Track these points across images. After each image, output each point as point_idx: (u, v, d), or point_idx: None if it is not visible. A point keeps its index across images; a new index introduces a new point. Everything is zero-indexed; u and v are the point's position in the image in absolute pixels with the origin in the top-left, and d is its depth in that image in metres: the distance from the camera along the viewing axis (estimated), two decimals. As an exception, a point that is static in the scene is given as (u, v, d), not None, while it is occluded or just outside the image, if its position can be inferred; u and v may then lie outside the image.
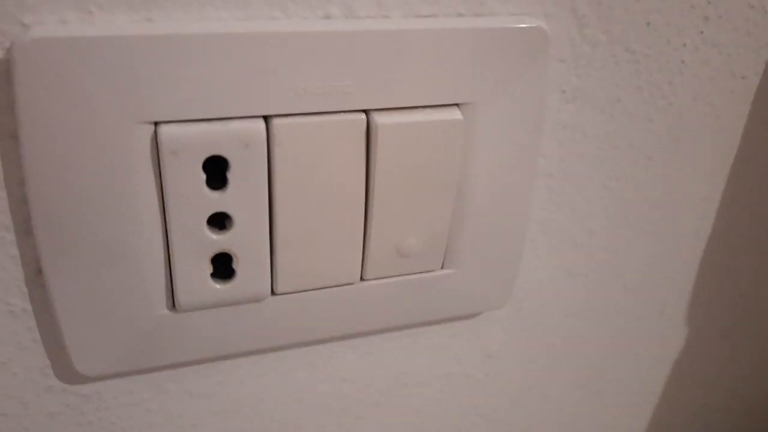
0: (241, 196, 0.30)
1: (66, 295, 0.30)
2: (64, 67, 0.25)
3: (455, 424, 0.46)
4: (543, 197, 0.39)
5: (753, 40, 0.39)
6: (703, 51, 0.38)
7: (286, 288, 0.33)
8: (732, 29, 0.38)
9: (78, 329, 0.31)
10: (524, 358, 0.46)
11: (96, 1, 0.26)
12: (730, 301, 0.51)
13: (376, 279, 0.35)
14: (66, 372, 0.33)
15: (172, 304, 0.32)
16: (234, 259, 0.31)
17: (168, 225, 0.29)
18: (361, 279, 0.35)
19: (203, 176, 0.29)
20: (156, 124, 0.27)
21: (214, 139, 0.28)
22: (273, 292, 0.33)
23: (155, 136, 0.28)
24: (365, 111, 0.31)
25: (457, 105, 0.32)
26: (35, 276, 0.30)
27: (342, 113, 0.30)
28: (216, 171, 0.29)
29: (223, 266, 0.31)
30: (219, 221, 0.30)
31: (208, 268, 0.31)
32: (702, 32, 0.37)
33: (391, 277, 0.35)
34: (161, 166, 0.28)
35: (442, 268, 0.36)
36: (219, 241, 0.30)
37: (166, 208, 0.29)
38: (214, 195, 0.29)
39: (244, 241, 0.31)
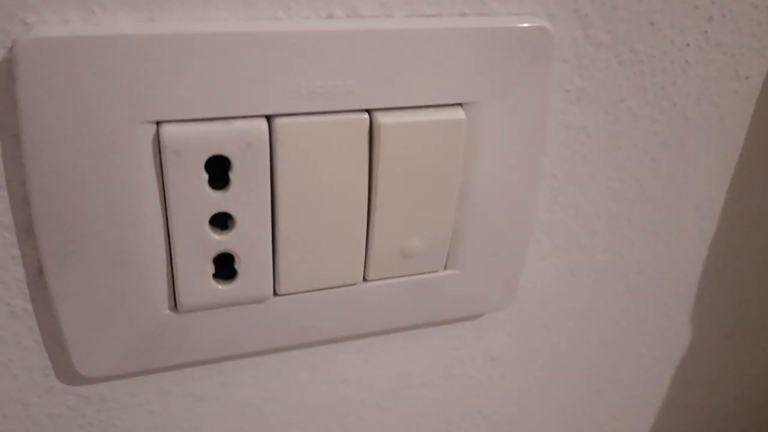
0: (243, 196, 0.30)
1: (67, 295, 0.30)
2: (67, 67, 0.25)
3: (458, 426, 0.46)
4: (546, 198, 0.39)
5: (757, 41, 0.39)
6: (707, 51, 0.38)
7: (289, 289, 0.33)
8: (736, 29, 0.38)
9: (79, 330, 0.31)
10: (527, 359, 0.45)
11: (98, 0, 0.26)
12: (733, 303, 0.51)
13: (378, 280, 0.35)
14: (67, 373, 0.33)
15: (174, 304, 0.32)
16: (236, 260, 0.31)
17: (170, 225, 0.29)
18: (364, 280, 0.35)
19: (205, 176, 0.28)
20: (158, 123, 0.27)
21: (216, 138, 0.28)
22: (275, 293, 0.33)
23: (157, 136, 0.27)
24: (368, 110, 0.31)
25: (460, 105, 0.32)
26: (36, 276, 0.30)
27: (345, 113, 0.30)
28: (218, 171, 0.29)
29: (225, 267, 0.31)
30: (221, 221, 0.30)
31: (210, 269, 0.31)
32: (706, 32, 0.37)
33: (394, 277, 0.35)
34: (163, 166, 0.28)
35: (445, 269, 0.36)
36: (221, 242, 0.30)
37: (168, 208, 0.29)
38: (217, 195, 0.29)
39: (247, 242, 0.31)
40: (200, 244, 0.30)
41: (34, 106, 0.26)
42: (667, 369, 0.52)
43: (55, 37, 0.25)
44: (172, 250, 0.30)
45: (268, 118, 0.29)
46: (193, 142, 0.28)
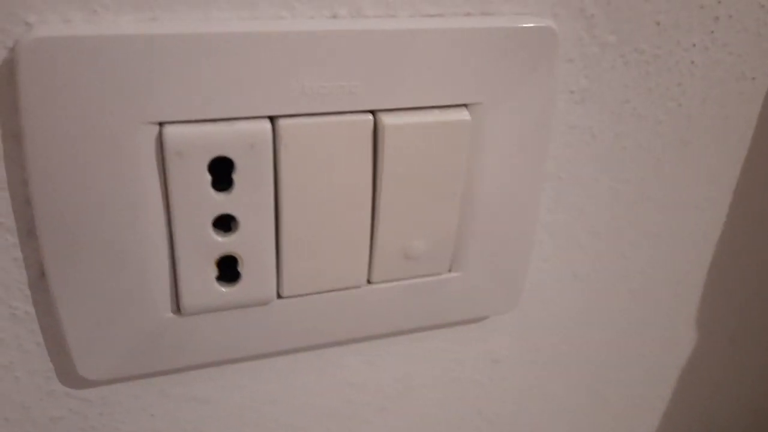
0: (246, 198, 0.29)
1: (69, 297, 0.29)
2: (68, 67, 0.25)
3: (460, 428, 0.46)
4: (549, 199, 0.39)
5: (763, 41, 0.38)
6: (713, 51, 0.37)
7: (292, 291, 0.33)
8: (742, 30, 0.37)
9: (81, 332, 0.30)
10: (530, 362, 0.45)
11: (100, 0, 0.26)
12: (736, 305, 0.51)
13: (382, 282, 0.35)
14: (69, 376, 0.33)
15: (177, 307, 0.31)
16: (239, 262, 0.31)
17: (173, 227, 0.29)
18: (368, 282, 0.34)
19: (209, 178, 0.28)
20: (161, 124, 0.27)
21: (219, 140, 0.28)
22: (279, 295, 0.33)
23: (160, 137, 0.27)
24: (372, 111, 0.30)
25: (465, 105, 0.32)
26: (38, 279, 0.30)
27: (349, 114, 0.30)
28: (221, 172, 0.29)
29: (228, 269, 0.31)
30: (224, 223, 0.30)
31: (214, 271, 0.30)
32: (712, 32, 0.37)
33: (398, 280, 0.35)
34: (166, 168, 0.28)
35: (449, 271, 0.36)
36: (224, 244, 0.30)
37: (171, 210, 0.29)
38: (220, 197, 0.29)
39: (250, 244, 0.30)
40: (203, 247, 0.30)
41: (36, 106, 0.25)
42: (670, 371, 0.52)
43: (57, 37, 0.25)
44: (174, 252, 0.30)
45: (272, 119, 0.29)
46: (196, 144, 0.27)
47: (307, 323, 0.35)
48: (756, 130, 0.42)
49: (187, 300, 0.31)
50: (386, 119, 0.30)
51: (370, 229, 0.33)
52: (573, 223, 0.40)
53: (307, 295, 0.33)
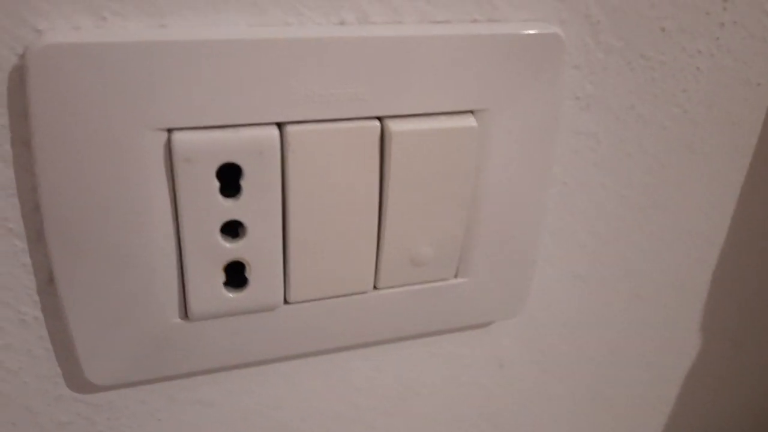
0: (254, 204, 0.29)
1: (78, 303, 0.30)
2: (78, 73, 0.25)
3: (467, 434, 0.46)
4: (555, 204, 0.39)
5: (768, 47, 0.39)
6: (719, 58, 0.38)
7: (299, 297, 0.33)
8: (747, 36, 0.37)
9: (89, 338, 0.31)
10: (536, 367, 0.45)
11: (110, 7, 0.26)
12: (741, 309, 0.51)
13: (389, 288, 0.35)
14: (77, 381, 0.33)
15: (185, 313, 0.31)
16: (247, 268, 0.31)
17: (181, 233, 0.29)
18: (374, 287, 0.35)
19: (217, 184, 0.28)
20: (169, 131, 0.27)
21: (227, 146, 0.28)
22: (286, 301, 0.33)
23: (168, 143, 0.27)
24: (379, 118, 0.30)
25: (471, 112, 0.32)
26: (47, 284, 0.30)
27: (356, 120, 0.30)
28: (229, 178, 0.29)
29: (235, 274, 0.31)
30: (232, 229, 0.30)
31: (221, 277, 0.31)
32: (717, 39, 0.37)
33: (404, 285, 0.35)
34: (174, 174, 0.28)
35: (455, 276, 0.36)
36: (232, 250, 0.30)
37: (179, 216, 0.29)
38: (228, 203, 0.29)
39: (257, 250, 0.30)
40: (211, 252, 0.30)
41: (45, 112, 0.26)
42: (674, 374, 0.52)
43: (66, 44, 0.25)
44: (182, 258, 0.30)
45: (279, 125, 0.29)
46: (205, 150, 0.28)
47: (314, 328, 0.35)
48: (761, 136, 0.42)
49: (194, 305, 0.31)
50: (393, 125, 0.30)
51: (376, 235, 0.33)
52: (578, 228, 0.40)
53: (313, 300, 0.33)
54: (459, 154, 0.32)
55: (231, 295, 0.31)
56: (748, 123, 0.41)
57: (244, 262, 0.31)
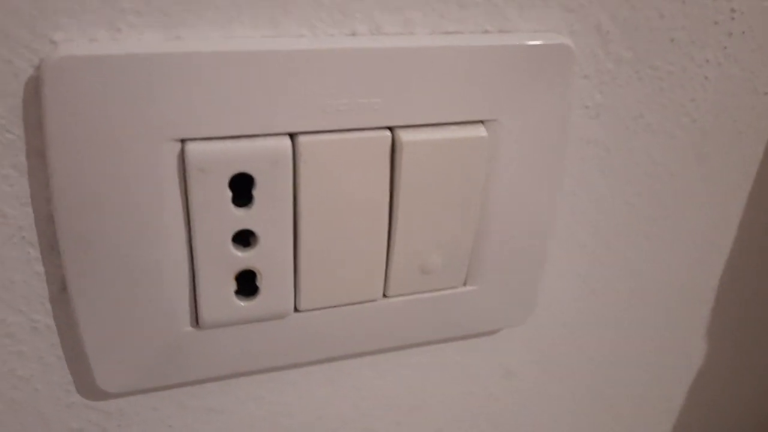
0: (266, 214, 0.30)
1: (90, 311, 0.30)
2: (92, 85, 0.25)
3: (473, 441, 0.46)
4: (565, 214, 0.39)
5: (776, 57, 0.39)
6: (726, 67, 0.38)
7: (310, 305, 0.33)
8: (755, 45, 0.38)
9: (101, 346, 0.31)
10: (543, 375, 0.45)
11: (125, 19, 0.26)
12: (749, 318, 0.51)
13: (398, 296, 0.35)
14: (88, 388, 0.33)
15: (196, 321, 0.32)
16: (258, 276, 0.31)
17: (193, 242, 0.29)
18: (384, 296, 0.35)
19: (229, 194, 0.29)
20: (183, 141, 0.27)
21: (240, 156, 0.28)
22: (296, 309, 0.33)
23: (182, 154, 0.28)
24: (390, 128, 0.31)
25: (481, 122, 0.32)
26: (59, 293, 0.30)
27: (367, 130, 0.30)
28: (241, 188, 0.29)
29: (247, 283, 0.31)
30: (243, 238, 0.30)
31: (233, 286, 0.31)
32: (725, 48, 0.37)
33: (414, 293, 0.35)
34: (188, 184, 0.28)
35: (464, 284, 0.36)
36: (244, 259, 0.30)
37: (191, 226, 0.29)
38: (240, 212, 0.29)
39: (269, 259, 0.31)
40: (223, 261, 0.30)
41: (60, 123, 0.26)
42: (684, 385, 0.52)
43: (82, 56, 0.25)
44: (194, 267, 0.30)
45: (292, 135, 0.29)
46: (218, 160, 0.28)
47: (323, 336, 0.35)
48: None
49: (206, 314, 0.31)
50: (404, 135, 0.30)
51: (386, 244, 0.33)
52: (587, 237, 0.40)
53: (323, 308, 0.34)
54: (469, 163, 0.32)
55: (242, 303, 0.31)
56: (755, 131, 0.41)
57: (256, 271, 0.31)
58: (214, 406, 0.36)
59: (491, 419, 0.45)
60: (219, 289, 0.31)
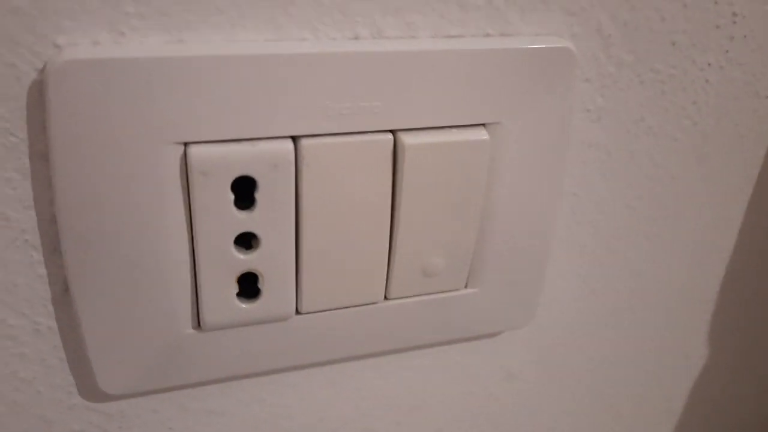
0: (268, 216, 0.30)
1: (92, 313, 0.30)
2: (96, 89, 0.25)
3: (474, 443, 0.46)
4: (566, 215, 0.39)
5: (777, 60, 0.39)
6: (728, 70, 0.38)
7: (311, 307, 0.33)
8: (757, 49, 0.38)
9: (103, 348, 0.31)
10: (544, 377, 0.45)
11: (129, 23, 0.26)
12: (751, 320, 0.51)
13: (400, 298, 0.35)
14: (90, 390, 0.33)
15: (198, 323, 0.32)
16: (260, 279, 0.31)
17: (195, 245, 0.29)
18: (385, 298, 0.35)
19: (232, 197, 0.29)
20: (186, 144, 0.27)
21: (243, 159, 0.28)
22: (297, 312, 0.33)
23: (185, 157, 0.28)
24: (392, 131, 0.31)
25: (483, 125, 0.32)
26: (62, 295, 0.30)
27: (369, 133, 0.30)
28: (243, 190, 0.29)
29: (248, 285, 0.31)
30: (245, 240, 0.30)
31: (234, 288, 0.31)
32: (727, 52, 0.37)
33: (415, 296, 0.35)
34: (190, 187, 0.28)
35: (465, 287, 0.36)
36: (245, 261, 0.30)
37: (193, 228, 0.29)
38: (242, 215, 0.29)
39: (271, 261, 0.31)
40: (225, 264, 0.30)
41: (64, 127, 0.26)
42: (685, 386, 0.52)
43: (85, 60, 0.25)
44: (196, 269, 0.30)
45: (294, 138, 0.29)
46: (221, 163, 0.28)
47: (325, 338, 0.35)
48: (770, 147, 0.42)
49: (207, 316, 0.31)
50: (406, 139, 0.30)
51: (388, 247, 0.33)
52: (588, 240, 0.40)
53: (325, 311, 0.34)
54: (471, 166, 0.32)
55: (244, 305, 0.31)
56: (757, 135, 0.41)
57: (257, 273, 0.31)
58: (215, 408, 0.36)
59: (492, 419, 0.45)
60: (221, 292, 0.31)
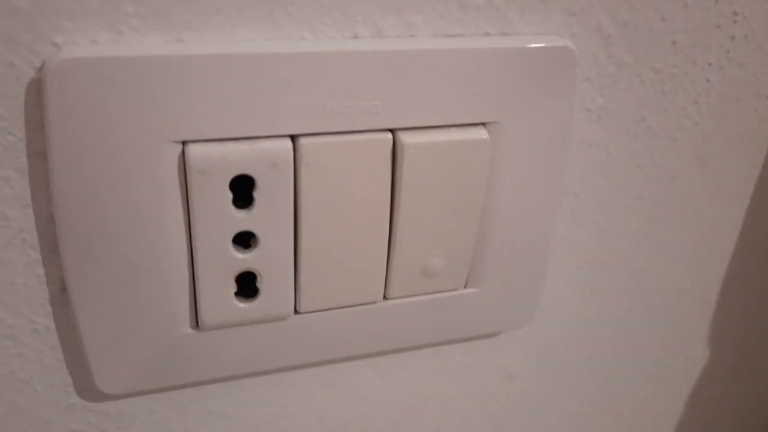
0: (266, 216, 0.30)
1: (90, 313, 0.30)
2: (94, 87, 0.25)
3: (474, 443, 0.46)
4: (566, 215, 0.39)
5: (778, 60, 0.39)
6: (729, 70, 0.38)
7: (310, 307, 0.33)
8: (758, 49, 0.38)
9: (101, 347, 0.31)
10: (545, 377, 0.45)
11: (127, 22, 0.26)
12: (752, 321, 0.51)
13: (399, 298, 0.35)
14: (88, 390, 0.33)
15: (196, 322, 0.32)
16: (258, 278, 0.31)
17: (193, 244, 0.29)
18: (384, 298, 0.35)
19: (230, 196, 0.28)
20: (184, 143, 0.27)
21: (241, 158, 0.28)
22: (296, 311, 0.33)
23: (183, 156, 0.28)
24: (391, 130, 0.31)
25: (483, 124, 0.32)
26: (59, 295, 0.30)
27: (368, 132, 0.30)
28: (242, 189, 0.29)
29: (247, 285, 0.31)
30: (244, 240, 0.30)
31: (233, 287, 0.31)
32: (728, 52, 0.37)
33: (415, 296, 0.35)
34: (188, 186, 0.28)
35: (465, 287, 0.36)
36: (244, 260, 0.30)
37: (192, 227, 0.29)
38: (240, 214, 0.29)
39: (269, 260, 0.31)
40: (223, 263, 0.30)
41: (62, 125, 0.26)
42: (685, 387, 0.52)
43: (84, 58, 0.25)
44: (195, 268, 0.30)
45: (293, 137, 0.29)
46: (219, 162, 0.28)
47: (324, 338, 0.35)
48: (770, 147, 0.42)
49: (206, 315, 0.31)
50: (405, 138, 0.30)
51: (387, 246, 0.33)
52: (589, 240, 0.40)
53: (324, 310, 0.34)
54: (470, 166, 0.32)
55: (242, 305, 0.31)
56: (758, 135, 0.41)
57: (256, 273, 0.31)
58: (213, 408, 0.36)
59: (492, 420, 0.45)
60: (219, 291, 0.30)
